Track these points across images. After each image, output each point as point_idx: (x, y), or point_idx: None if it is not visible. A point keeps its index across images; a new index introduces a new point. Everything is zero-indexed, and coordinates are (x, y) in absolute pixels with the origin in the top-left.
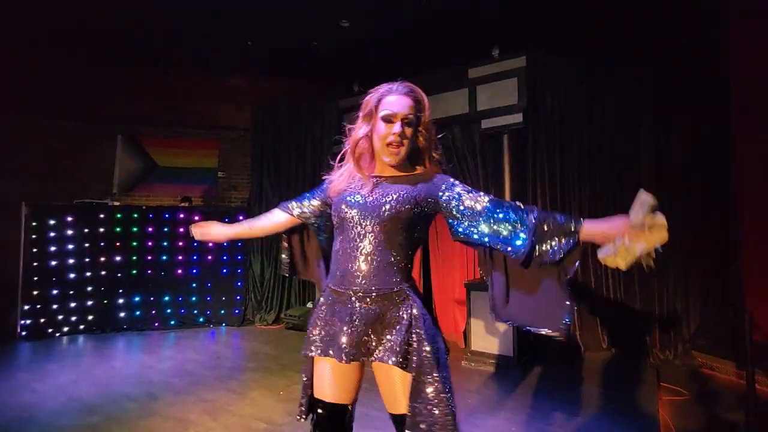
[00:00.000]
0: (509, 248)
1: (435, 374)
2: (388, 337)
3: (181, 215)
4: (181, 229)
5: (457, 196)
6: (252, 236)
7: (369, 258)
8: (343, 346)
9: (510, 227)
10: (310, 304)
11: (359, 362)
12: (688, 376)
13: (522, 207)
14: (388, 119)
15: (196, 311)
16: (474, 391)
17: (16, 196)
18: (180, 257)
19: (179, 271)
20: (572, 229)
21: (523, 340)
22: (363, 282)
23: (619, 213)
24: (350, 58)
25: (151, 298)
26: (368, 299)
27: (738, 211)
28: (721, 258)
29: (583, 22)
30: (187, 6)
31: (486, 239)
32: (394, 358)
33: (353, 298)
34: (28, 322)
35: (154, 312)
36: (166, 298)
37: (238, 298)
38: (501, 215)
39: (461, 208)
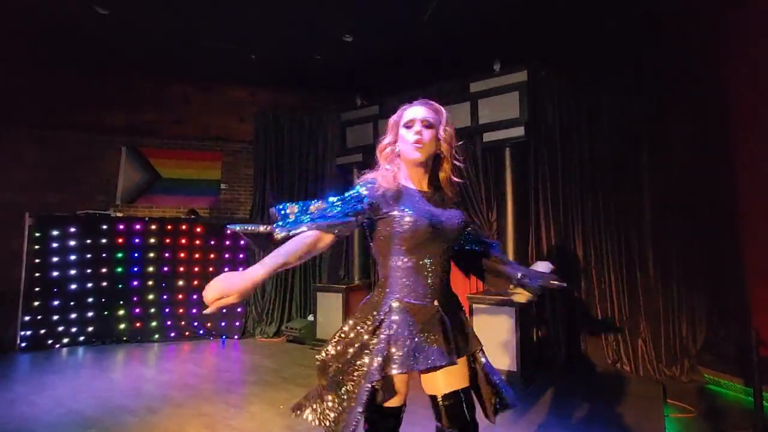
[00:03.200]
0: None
1: (482, 347)
2: (465, 332)
3: (184, 227)
4: (183, 241)
5: (473, 232)
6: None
7: (442, 269)
8: (451, 346)
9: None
10: (311, 317)
11: (412, 371)
12: (695, 392)
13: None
14: (409, 125)
15: (196, 323)
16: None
17: (19, 207)
18: (182, 268)
19: (180, 283)
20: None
21: (527, 355)
22: (442, 290)
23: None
24: (353, 72)
25: (152, 310)
26: (446, 307)
27: (742, 225)
28: (726, 273)
29: (583, 36)
30: (192, 18)
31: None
32: (478, 346)
33: (437, 305)
34: (28, 333)
35: (154, 324)
36: (167, 310)
37: (239, 310)
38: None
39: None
